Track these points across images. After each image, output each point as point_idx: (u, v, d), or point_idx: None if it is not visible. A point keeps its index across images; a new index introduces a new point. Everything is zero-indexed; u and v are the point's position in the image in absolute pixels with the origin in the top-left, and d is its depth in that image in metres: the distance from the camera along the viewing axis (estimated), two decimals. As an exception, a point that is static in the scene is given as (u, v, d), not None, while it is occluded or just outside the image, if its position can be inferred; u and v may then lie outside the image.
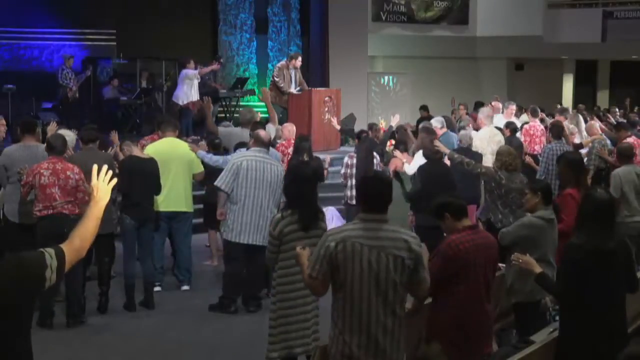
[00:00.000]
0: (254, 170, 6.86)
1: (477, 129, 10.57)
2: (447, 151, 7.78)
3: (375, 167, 8.71)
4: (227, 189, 6.91)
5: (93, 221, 3.01)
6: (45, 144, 6.75)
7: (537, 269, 4.41)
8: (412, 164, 8.36)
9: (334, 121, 11.44)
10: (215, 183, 7.07)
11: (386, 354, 3.65)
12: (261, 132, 7.35)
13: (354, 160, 8.80)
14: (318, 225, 4.80)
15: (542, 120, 12.20)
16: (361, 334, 3.61)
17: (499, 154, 7.04)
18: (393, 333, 3.65)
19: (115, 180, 3.08)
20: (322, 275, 3.65)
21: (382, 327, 3.62)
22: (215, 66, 14.52)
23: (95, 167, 3.08)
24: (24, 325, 2.84)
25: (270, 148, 8.36)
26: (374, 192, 3.76)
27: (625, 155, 7.75)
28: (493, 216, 6.87)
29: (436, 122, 10.12)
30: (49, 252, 2.87)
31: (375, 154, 8.93)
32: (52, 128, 7.91)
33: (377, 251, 3.60)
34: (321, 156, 9.46)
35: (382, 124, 11.50)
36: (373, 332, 3.61)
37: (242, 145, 7.85)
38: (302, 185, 4.84)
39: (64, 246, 2.92)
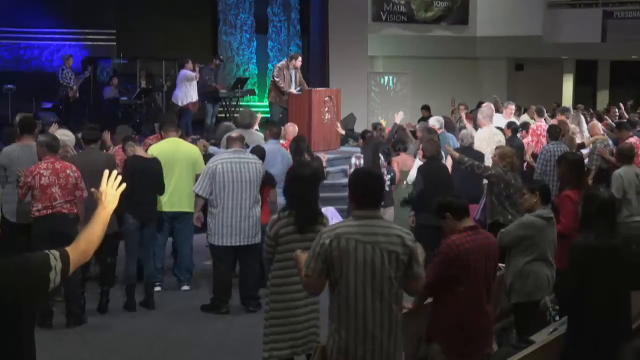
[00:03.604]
0: (231, 172, 6.89)
1: (476, 129, 10.57)
2: (457, 155, 7.84)
3: (381, 167, 8.71)
4: (205, 194, 7.00)
5: (100, 226, 3.01)
6: (40, 145, 6.66)
7: None
8: (412, 171, 8.41)
9: (339, 126, 11.51)
10: (193, 189, 7.15)
11: (383, 349, 3.65)
12: (232, 133, 7.36)
13: (361, 161, 8.80)
14: (315, 227, 4.70)
15: (545, 120, 12.22)
16: (358, 330, 3.62)
17: (506, 155, 7.12)
18: (390, 328, 3.66)
19: (124, 185, 3.08)
20: (317, 274, 3.65)
21: (379, 323, 3.63)
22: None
23: (106, 172, 3.08)
24: (26, 326, 2.84)
25: (281, 147, 8.40)
26: (365, 188, 3.75)
27: (626, 156, 7.74)
28: (502, 217, 6.87)
29: (434, 122, 10.11)
30: (54, 254, 2.85)
31: (379, 154, 8.94)
32: (53, 129, 7.90)
33: (372, 247, 3.61)
34: (319, 155, 9.46)
35: (383, 123, 11.48)
36: (370, 328, 3.62)
37: (258, 148, 7.83)
38: (299, 185, 4.80)
39: (69, 249, 2.91)
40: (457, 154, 7.90)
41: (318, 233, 4.56)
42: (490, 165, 7.72)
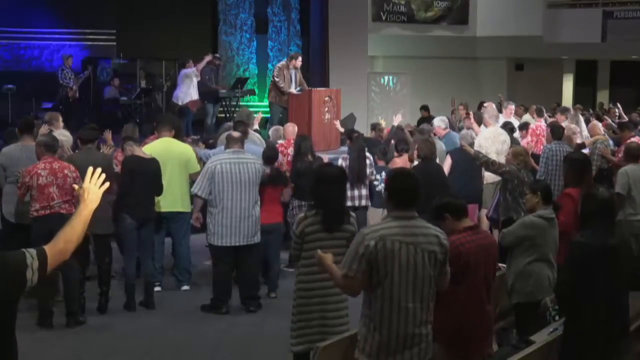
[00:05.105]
0: (229, 172, 6.90)
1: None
2: (473, 151, 7.96)
3: (367, 168, 8.71)
4: (204, 195, 7.00)
5: (80, 224, 2.96)
6: (39, 144, 6.67)
7: None
8: None
9: (337, 124, 11.50)
10: (192, 190, 7.17)
11: (421, 347, 3.75)
12: (233, 133, 7.37)
13: (348, 162, 8.78)
14: (343, 227, 4.76)
15: (545, 120, 12.23)
16: (400, 329, 3.69)
17: (519, 154, 7.28)
18: (427, 326, 3.77)
19: (107, 184, 3.04)
20: (360, 275, 3.69)
21: (419, 321, 3.72)
22: (209, 58, 14.27)
23: (90, 169, 3.04)
24: (5, 324, 2.82)
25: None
26: (403, 188, 3.80)
27: (633, 155, 7.78)
28: (516, 214, 6.93)
29: (440, 122, 10.14)
30: (30, 253, 2.84)
31: (368, 154, 8.93)
32: (43, 130, 7.82)
33: (414, 247, 3.68)
34: (321, 156, 9.45)
35: (383, 124, 11.48)
36: (411, 327, 3.70)
37: (270, 148, 7.88)
38: (326, 185, 4.81)
39: (47, 247, 2.89)
40: (472, 150, 8.12)
41: (348, 233, 4.69)
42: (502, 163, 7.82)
